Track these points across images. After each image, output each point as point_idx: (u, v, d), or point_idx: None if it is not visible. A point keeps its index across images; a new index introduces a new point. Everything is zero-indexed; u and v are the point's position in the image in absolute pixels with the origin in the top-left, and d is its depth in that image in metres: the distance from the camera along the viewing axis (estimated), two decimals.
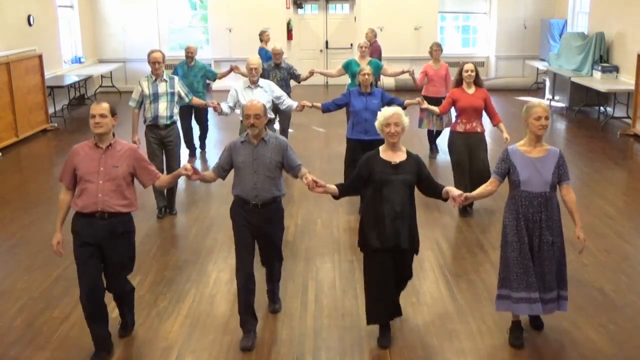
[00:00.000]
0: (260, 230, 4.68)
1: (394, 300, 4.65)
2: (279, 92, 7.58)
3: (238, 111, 7.11)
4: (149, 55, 7.29)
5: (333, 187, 4.62)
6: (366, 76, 6.98)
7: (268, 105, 7.14)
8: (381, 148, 4.59)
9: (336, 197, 4.72)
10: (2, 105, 10.40)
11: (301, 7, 16.81)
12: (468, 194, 4.68)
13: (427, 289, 5.47)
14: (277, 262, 5.01)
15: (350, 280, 5.64)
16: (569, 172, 4.59)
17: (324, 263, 6.02)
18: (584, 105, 12.68)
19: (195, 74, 9.42)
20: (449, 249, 6.30)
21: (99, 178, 4.26)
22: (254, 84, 7.39)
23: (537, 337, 4.69)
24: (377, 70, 9.24)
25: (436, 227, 6.90)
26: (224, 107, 7.27)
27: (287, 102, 7.59)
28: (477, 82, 7.22)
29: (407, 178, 4.49)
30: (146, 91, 7.17)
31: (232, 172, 4.77)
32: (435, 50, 9.47)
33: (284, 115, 9.20)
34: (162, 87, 7.18)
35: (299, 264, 5.98)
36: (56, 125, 12.03)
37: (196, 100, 7.65)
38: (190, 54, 9.42)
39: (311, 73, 9.38)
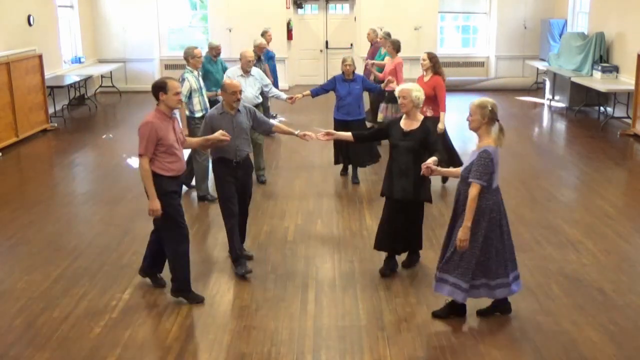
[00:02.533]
0: (241, 180, 5.73)
1: (400, 239, 5.64)
2: (266, 80, 8.36)
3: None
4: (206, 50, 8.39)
5: (347, 134, 5.90)
6: (347, 67, 8.04)
7: (258, 92, 8.18)
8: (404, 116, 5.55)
9: (355, 141, 5.99)
10: (2, 105, 10.40)
11: (301, 7, 16.81)
12: (431, 166, 5.00)
13: (427, 289, 5.47)
14: (246, 209, 5.98)
15: (350, 280, 5.64)
16: None
17: (324, 263, 6.02)
18: (584, 105, 12.68)
19: (218, 70, 9.74)
20: None
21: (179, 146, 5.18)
22: (247, 73, 8.09)
23: (537, 337, 4.69)
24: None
25: (436, 227, 6.90)
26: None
27: (274, 91, 8.40)
28: (436, 70, 7.79)
29: (411, 144, 5.41)
30: (194, 85, 7.69)
31: None
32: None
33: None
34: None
35: (299, 264, 5.98)
36: (56, 125, 12.03)
37: (210, 93, 8.43)
38: (218, 53, 9.77)
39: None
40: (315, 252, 6.28)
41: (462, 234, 4.60)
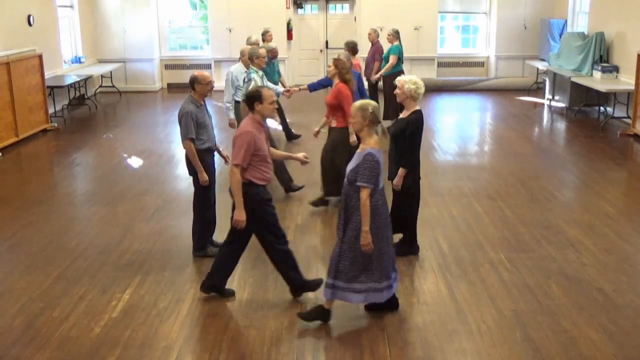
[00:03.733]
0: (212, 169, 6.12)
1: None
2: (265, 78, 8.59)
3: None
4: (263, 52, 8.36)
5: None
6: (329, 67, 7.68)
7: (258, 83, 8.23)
8: None
9: None
10: (2, 105, 10.40)
11: (301, 7, 16.80)
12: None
13: (427, 289, 5.47)
14: None
15: None
16: None
17: (324, 263, 6.01)
18: (584, 105, 12.67)
19: (274, 72, 10.27)
20: (449, 249, 6.30)
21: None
22: (248, 69, 8.25)
23: (537, 337, 4.69)
24: (390, 52, 11.05)
25: (436, 227, 6.90)
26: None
27: (269, 85, 8.54)
28: (343, 77, 7.21)
29: (393, 131, 5.83)
30: (259, 83, 7.96)
31: None
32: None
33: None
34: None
35: (298, 264, 5.97)
36: (56, 125, 12.02)
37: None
38: (275, 55, 10.14)
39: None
40: (315, 252, 6.27)
41: (363, 239, 4.62)
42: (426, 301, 5.26)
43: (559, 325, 4.84)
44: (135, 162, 9.67)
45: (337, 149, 7.22)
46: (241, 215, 4.94)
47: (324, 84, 8.62)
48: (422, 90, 5.69)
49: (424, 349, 4.57)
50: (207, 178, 5.87)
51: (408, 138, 5.68)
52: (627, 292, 5.37)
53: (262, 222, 5.08)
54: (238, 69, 8.36)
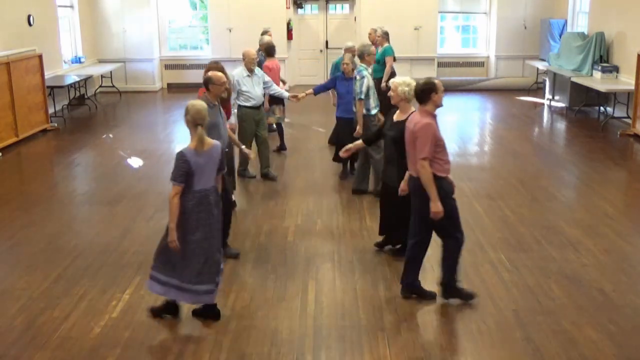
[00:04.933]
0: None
1: (385, 223, 6.17)
2: (267, 77, 8.53)
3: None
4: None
5: (358, 142, 6.27)
6: (345, 66, 8.17)
7: (262, 88, 8.39)
8: None
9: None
10: (2, 105, 10.40)
11: (301, 7, 16.81)
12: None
13: (427, 289, 5.46)
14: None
15: (350, 280, 5.64)
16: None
17: (324, 263, 6.02)
18: (584, 105, 12.67)
19: None
20: None
21: None
22: (252, 72, 8.24)
23: (537, 337, 4.69)
24: (385, 53, 10.50)
25: None
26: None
27: (275, 88, 8.63)
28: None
29: (393, 135, 5.72)
30: (370, 83, 7.93)
31: None
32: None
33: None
34: None
35: (299, 264, 5.98)
36: (56, 125, 12.02)
37: None
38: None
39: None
40: (315, 252, 6.28)
41: (168, 236, 4.66)
42: (426, 301, 5.25)
43: (559, 325, 4.84)
44: (135, 162, 9.67)
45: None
46: (437, 207, 4.93)
47: (328, 86, 8.71)
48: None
49: (424, 349, 4.57)
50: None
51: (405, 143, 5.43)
52: (627, 292, 5.37)
53: (446, 217, 5.04)
54: (240, 72, 8.21)
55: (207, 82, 5.83)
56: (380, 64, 10.41)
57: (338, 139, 8.51)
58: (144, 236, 6.69)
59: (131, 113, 13.93)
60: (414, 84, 5.47)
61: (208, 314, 4.95)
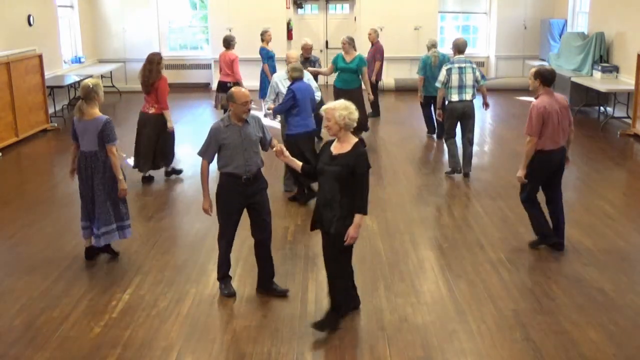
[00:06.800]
0: (252, 199, 5.22)
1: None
2: (313, 84, 8.04)
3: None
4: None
5: (298, 163, 4.99)
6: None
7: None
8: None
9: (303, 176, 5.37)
10: (2, 105, 10.40)
11: (301, 7, 16.80)
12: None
13: (427, 289, 5.47)
14: (269, 229, 5.38)
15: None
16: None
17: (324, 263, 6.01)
18: (584, 105, 12.67)
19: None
20: (449, 249, 6.30)
21: None
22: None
23: (537, 336, 4.69)
24: (361, 64, 10.04)
25: (436, 227, 6.90)
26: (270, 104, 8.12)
27: (317, 95, 8.04)
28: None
29: (338, 170, 4.58)
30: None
31: None
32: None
33: None
34: None
35: (299, 264, 5.98)
36: (56, 125, 12.02)
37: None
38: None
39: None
40: (315, 252, 6.27)
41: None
42: (426, 301, 5.26)
43: (559, 325, 4.84)
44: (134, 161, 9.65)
45: None
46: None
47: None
48: (356, 115, 4.65)
49: (424, 349, 4.57)
50: (205, 205, 5.28)
51: (359, 177, 4.57)
52: (627, 292, 5.37)
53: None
54: (281, 76, 8.03)
55: (229, 99, 5.10)
56: (357, 73, 10.05)
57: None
58: (144, 236, 6.69)
59: (131, 113, 13.89)
60: (353, 107, 4.64)
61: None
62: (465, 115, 8.48)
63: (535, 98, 6.14)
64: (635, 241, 6.52)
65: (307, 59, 10.37)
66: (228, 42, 11.11)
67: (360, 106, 8.41)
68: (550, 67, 6.03)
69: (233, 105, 5.06)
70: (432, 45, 10.63)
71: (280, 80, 8.01)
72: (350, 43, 10.03)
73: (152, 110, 8.29)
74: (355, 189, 4.59)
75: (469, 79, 8.40)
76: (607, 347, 4.56)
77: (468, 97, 8.43)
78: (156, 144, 8.39)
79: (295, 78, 7.45)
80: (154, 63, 8.20)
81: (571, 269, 5.82)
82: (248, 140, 5.13)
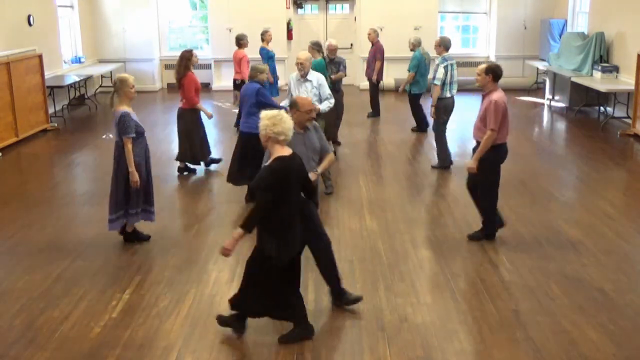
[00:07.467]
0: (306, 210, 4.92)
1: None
2: (324, 91, 7.55)
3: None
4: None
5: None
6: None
7: (315, 98, 7.39)
8: None
9: None
10: (2, 105, 10.40)
11: (301, 7, 16.80)
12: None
13: (427, 289, 5.47)
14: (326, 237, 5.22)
15: (350, 280, 5.64)
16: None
17: None
18: (584, 105, 12.68)
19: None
20: (449, 249, 6.30)
21: None
22: (303, 77, 7.58)
23: (537, 336, 4.69)
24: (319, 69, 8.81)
25: (436, 227, 6.90)
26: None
27: (324, 105, 7.51)
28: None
29: (254, 184, 4.53)
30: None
31: None
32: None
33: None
34: None
35: None
36: (56, 125, 12.03)
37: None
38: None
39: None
40: None
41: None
42: (426, 301, 5.25)
43: (559, 325, 4.84)
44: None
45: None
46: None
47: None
48: (288, 125, 4.32)
49: (424, 349, 4.57)
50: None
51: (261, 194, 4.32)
52: (627, 292, 5.37)
53: None
54: (295, 74, 7.72)
55: (293, 106, 5.02)
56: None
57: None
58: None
59: None
60: (280, 117, 4.34)
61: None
62: (453, 109, 9.22)
63: (484, 94, 6.26)
64: (635, 241, 6.52)
65: (332, 60, 10.13)
66: (238, 41, 11.26)
67: (329, 117, 8.10)
68: (498, 64, 6.24)
69: (296, 112, 4.95)
70: (419, 43, 10.86)
71: (292, 79, 7.78)
72: (313, 47, 9.61)
73: (181, 105, 8.84)
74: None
75: (456, 75, 9.20)
76: (607, 347, 4.56)
77: (455, 92, 9.19)
78: (187, 137, 8.84)
79: (250, 77, 7.62)
80: (183, 59, 8.63)
81: (571, 269, 5.82)
82: (311, 148, 5.11)
